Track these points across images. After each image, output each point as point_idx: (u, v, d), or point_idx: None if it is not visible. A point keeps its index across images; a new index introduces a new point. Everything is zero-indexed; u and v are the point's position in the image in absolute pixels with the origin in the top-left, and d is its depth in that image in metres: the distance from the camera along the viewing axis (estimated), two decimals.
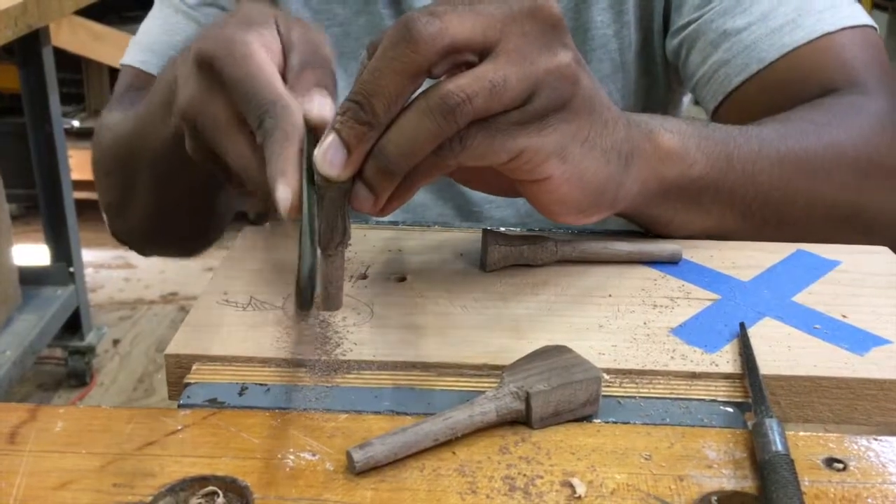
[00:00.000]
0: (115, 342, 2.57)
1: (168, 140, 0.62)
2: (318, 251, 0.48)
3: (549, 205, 0.54)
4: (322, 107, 0.51)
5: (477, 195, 0.86)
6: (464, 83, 0.46)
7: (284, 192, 0.47)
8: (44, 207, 2.27)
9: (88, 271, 2.74)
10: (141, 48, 0.86)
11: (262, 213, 0.69)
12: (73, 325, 2.33)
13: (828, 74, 0.72)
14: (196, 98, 0.53)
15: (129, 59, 0.86)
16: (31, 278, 2.20)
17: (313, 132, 0.50)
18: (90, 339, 2.37)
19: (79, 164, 2.56)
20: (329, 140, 0.46)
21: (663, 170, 0.58)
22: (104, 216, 0.84)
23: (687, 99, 0.94)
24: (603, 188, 0.54)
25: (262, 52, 0.53)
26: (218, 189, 0.74)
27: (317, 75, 0.53)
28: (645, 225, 0.63)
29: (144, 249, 0.88)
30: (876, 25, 0.75)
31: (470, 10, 0.47)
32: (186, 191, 0.70)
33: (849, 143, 0.66)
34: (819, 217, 0.64)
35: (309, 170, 0.48)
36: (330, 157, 0.46)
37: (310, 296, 0.44)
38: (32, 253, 2.50)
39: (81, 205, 2.37)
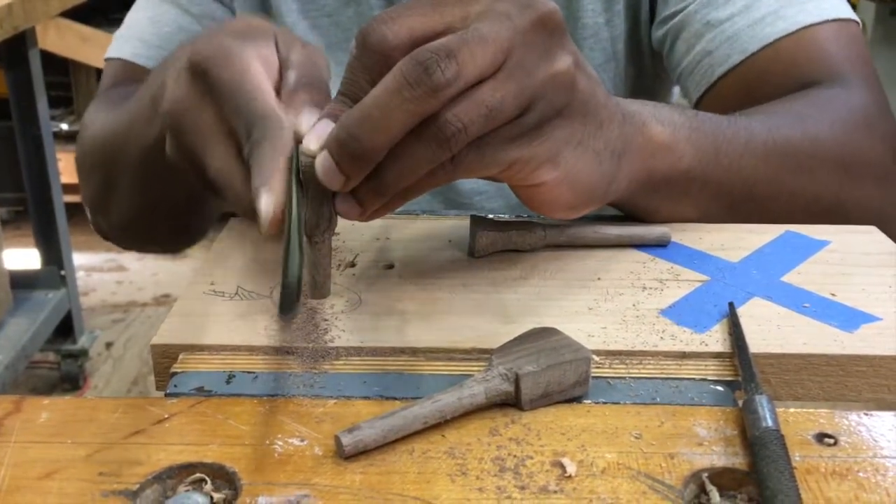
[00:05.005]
0: (108, 345, 2.56)
1: (153, 142, 0.59)
2: (306, 249, 0.47)
3: (540, 205, 0.53)
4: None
5: (466, 187, 0.85)
6: (460, 111, 0.45)
7: (268, 204, 0.45)
8: (33, 211, 2.27)
9: (80, 274, 2.73)
10: (128, 40, 0.84)
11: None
12: (66, 328, 2.32)
13: (809, 67, 0.71)
14: (184, 100, 0.52)
15: (115, 52, 0.85)
16: (22, 282, 2.19)
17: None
18: (83, 342, 2.37)
19: (68, 167, 2.54)
20: (328, 165, 0.46)
21: (653, 163, 0.58)
22: (87, 211, 0.83)
23: (677, 89, 0.94)
24: (595, 187, 0.53)
25: (258, 66, 0.51)
26: (203, 192, 0.72)
27: (312, 95, 0.51)
28: (630, 214, 0.63)
29: (126, 245, 0.88)
30: (858, 20, 0.75)
31: (480, 39, 0.45)
32: (170, 192, 0.68)
33: (831, 137, 0.66)
34: (801, 211, 0.64)
35: (297, 181, 0.47)
36: (327, 179, 0.46)
37: (294, 300, 0.42)
38: (23, 257, 2.49)
39: (72, 208, 2.36)
